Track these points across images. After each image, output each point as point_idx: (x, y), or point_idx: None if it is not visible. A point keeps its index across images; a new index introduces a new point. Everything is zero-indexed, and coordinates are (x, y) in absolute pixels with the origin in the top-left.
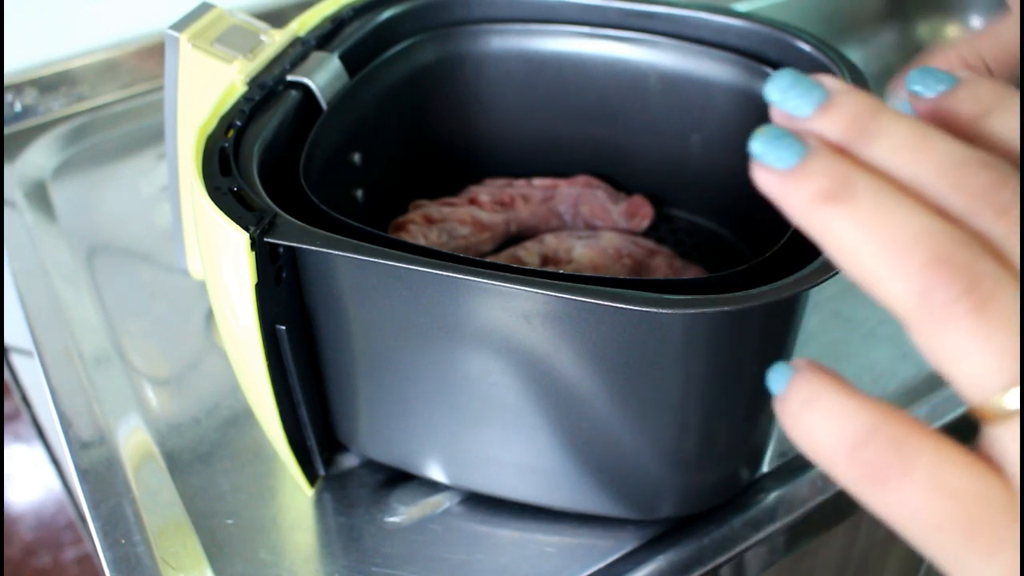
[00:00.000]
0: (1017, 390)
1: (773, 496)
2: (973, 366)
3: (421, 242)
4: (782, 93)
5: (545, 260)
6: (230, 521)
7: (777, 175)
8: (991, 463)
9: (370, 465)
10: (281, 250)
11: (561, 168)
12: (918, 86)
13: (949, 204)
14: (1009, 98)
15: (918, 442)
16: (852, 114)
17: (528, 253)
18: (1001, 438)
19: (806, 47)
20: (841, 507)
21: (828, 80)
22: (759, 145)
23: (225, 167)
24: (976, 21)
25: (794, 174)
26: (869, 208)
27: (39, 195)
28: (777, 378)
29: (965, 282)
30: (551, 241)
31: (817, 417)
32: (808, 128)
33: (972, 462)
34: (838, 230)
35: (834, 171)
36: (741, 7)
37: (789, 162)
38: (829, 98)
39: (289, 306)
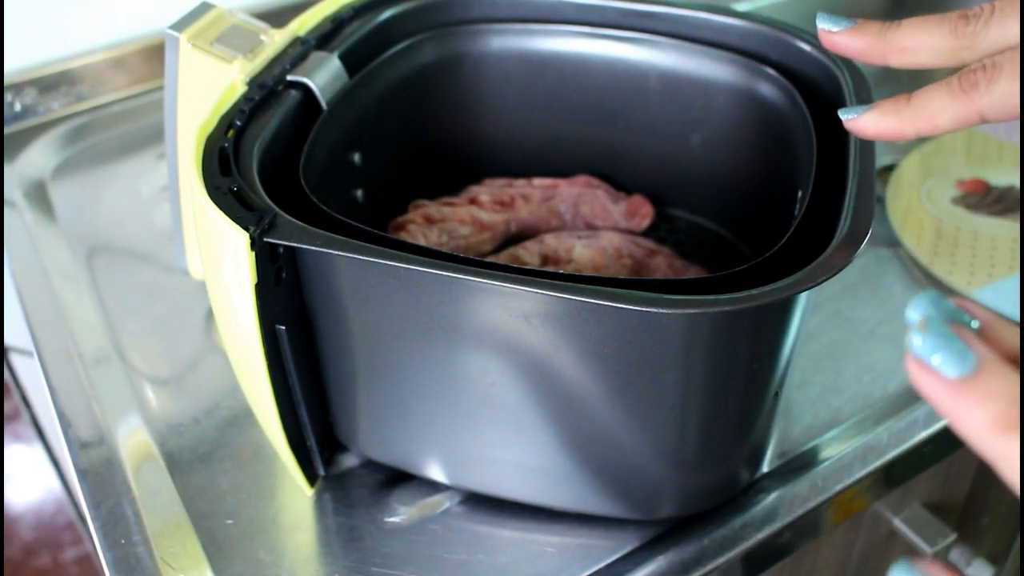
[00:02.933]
0: None
1: (773, 496)
2: None
3: (421, 242)
4: (926, 352)
5: (545, 260)
6: (230, 521)
7: (946, 385)
8: None
9: (370, 465)
10: (281, 250)
11: (561, 168)
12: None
13: None
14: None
15: None
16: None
17: (528, 253)
18: None
19: (806, 47)
20: (841, 507)
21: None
22: (922, 343)
23: (225, 167)
24: None
25: (966, 390)
26: None
27: (39, 195)
28: None
29: None
30: (551, 241)
31: None
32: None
33: None
34: (1016, 457)
35: (1010, 393)
36: (741, 7)
37: (958, 371)
38: (976, 370)
39: (289, 306)
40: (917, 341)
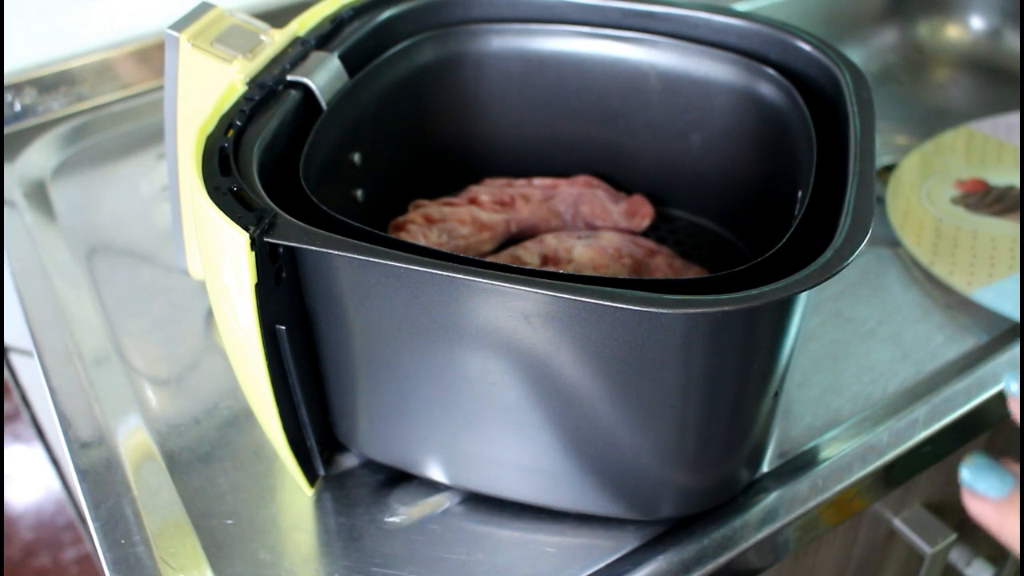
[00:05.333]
0: None
1: (773, 496)
2: None
3: (421, 242)
4: (973, 474)
5: (545, 260)
6: (230, 521)
7: (991, 504)
8: None
9: (370, 465)
10: (281, 250)
11: (561, 168)
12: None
13: None
14: None
15: None
16: None
17: (528, 253)
18: None
19: (806, 47)
20: (841, 507)
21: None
22: (968, 474)
23: (225, 167)
24: (976, 22)
25: (1010, 503)
26: None
27: (39, 195)
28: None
29: None
30: (551, 241)
31: None
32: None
33: None
34: None
35: None
36: (741, 7)
37: (1001, 491)
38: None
39: (289, 306)
40: (966, 474)
